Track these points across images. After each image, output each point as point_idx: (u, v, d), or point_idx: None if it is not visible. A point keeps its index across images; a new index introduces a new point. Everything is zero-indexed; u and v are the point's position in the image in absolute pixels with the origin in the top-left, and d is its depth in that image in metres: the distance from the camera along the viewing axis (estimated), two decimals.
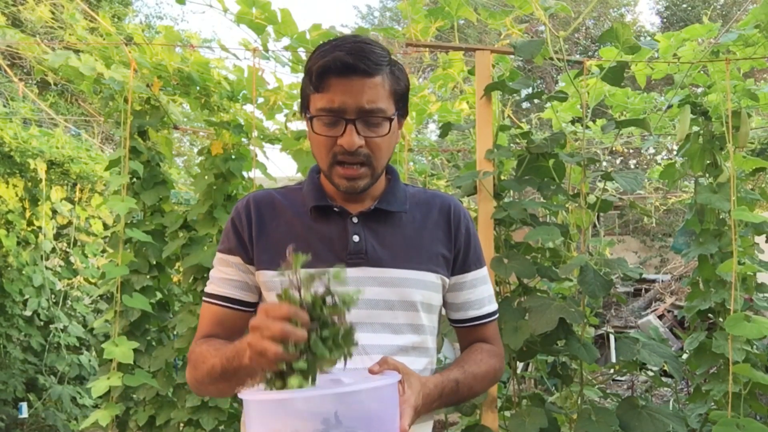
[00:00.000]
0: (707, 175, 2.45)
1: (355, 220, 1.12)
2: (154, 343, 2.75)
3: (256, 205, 1.15)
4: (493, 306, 1.25)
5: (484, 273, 1.24)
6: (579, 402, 2.14)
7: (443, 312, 1.25)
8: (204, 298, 1.17)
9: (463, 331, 1.24)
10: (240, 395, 0.85)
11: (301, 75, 2.78)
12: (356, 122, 1.03)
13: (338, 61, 1.01)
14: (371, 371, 0.94)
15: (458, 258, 1.19)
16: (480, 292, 1.22)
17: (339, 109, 1.03)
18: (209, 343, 1.09)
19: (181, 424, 2.60)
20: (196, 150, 4.30)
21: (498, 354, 1.23)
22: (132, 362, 2.43)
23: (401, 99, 1.11)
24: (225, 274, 1.15)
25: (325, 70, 1.02)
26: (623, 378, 5.57)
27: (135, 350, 2.46)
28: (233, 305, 1.14)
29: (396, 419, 0.87)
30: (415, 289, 1.11)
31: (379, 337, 1.08)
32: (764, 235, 2.47)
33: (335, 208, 1.12)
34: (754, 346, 2.36)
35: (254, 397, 0.84)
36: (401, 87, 1.10)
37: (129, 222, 2.68)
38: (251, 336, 0.87)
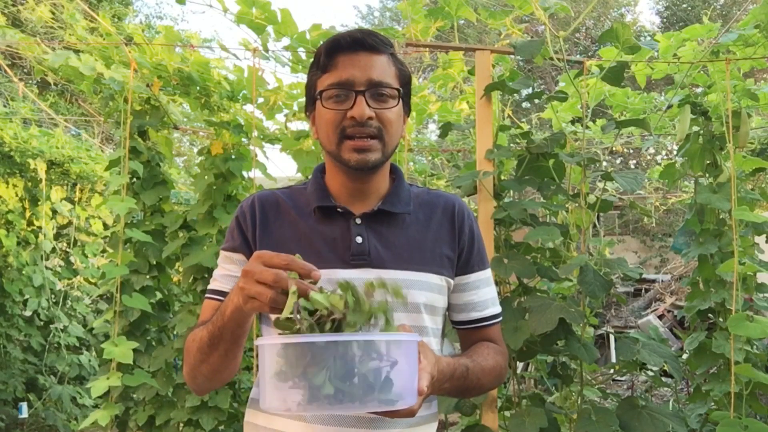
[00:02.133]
0: (707, 175, 2.45)
1: (358, 221, 1.11)
2: (153, 343, 2.74)
3: (261, 205, 1.14)
4: (497, 308, 1.23)
5: (487, 275, 1.22)
6: (579, 402, 2.14)
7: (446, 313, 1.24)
8: (206, 295, 1.16)
9: (465, 332, 1.23)
10: (257, 342, 0.84)
11: (301, 75, 2.78)
12: (365, 94, 1.05)
13: (347, 37, 1.07)
14: None
15: (461, 258, 1.18)
16: (483, 293, 1.21)
17: (348, 82, 1.05)
18: (199, 327, 1.09)
19: (181, 424, 2.59)
20: (196, 150, 4.31)
21: (503, 353, 1.22)
22: (132, 362, 2.42)
23: (406, 86, 1.13)
24: (228, 271, 1.14)
25: (334, 47, 1.07)
26: (623, 378, 5.57)
27: (135, 350, 2.45)
28: None
29: (415, 378, 0.87)
30: (418, 290, 1.10)
31: None
32: (764, 235, 2.48)
33: (339, 209, 1.12)
34: (754, 346, 2.36)
35: (272, 341, 0.83)
36: (405, 74, 1.13)
37: (129, 222, 2.68)
38: (242, 281, 0.88)
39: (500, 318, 1.25)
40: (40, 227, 4.37)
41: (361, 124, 1.04)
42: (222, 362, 1.02)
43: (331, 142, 1.08)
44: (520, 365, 2.65)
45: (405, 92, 1.13)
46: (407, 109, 1.16)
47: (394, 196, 1.15)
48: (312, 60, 1.14)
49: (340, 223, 1.11)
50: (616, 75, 2.04)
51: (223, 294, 1.13)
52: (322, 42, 1.13)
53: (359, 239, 1.09)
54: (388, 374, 0.82)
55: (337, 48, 1.06)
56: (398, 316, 1.09)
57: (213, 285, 1.16)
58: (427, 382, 0.90)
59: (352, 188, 1.13)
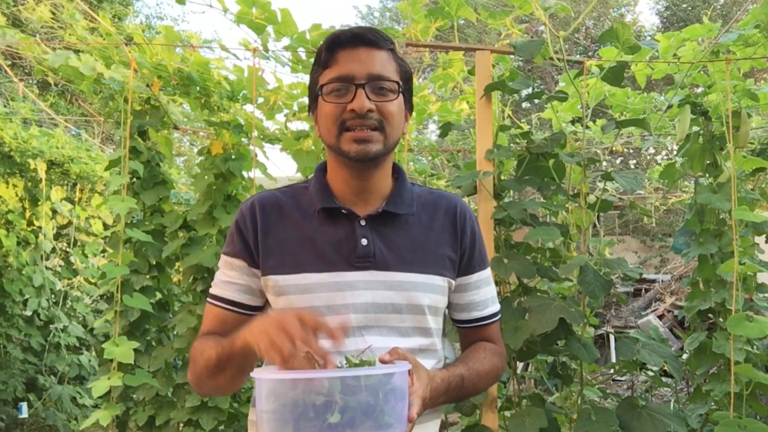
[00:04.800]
0: (707, 175, 2.45)
1: (363, 222, 1.11)
2: (154, 343, 2.74)
3: (262, 207, 1.13)
4: (496, 307, 1.25)
5: (487, 274, 1.24)
6: (579, 402, 2.14)
7: (446, 312, 1.25)
8: (208, 299, 1.17)
9: (466, 331, 1.24)
10: (252, 374, 0.88)
11: (302, 75, 2.77)
12: (365, 87, 1.05)
13: (347, 33, 1.08)
14: (382, 360, 0.94)
15: (463, 259, 1.18)
16: (484, 293, 1.22)
17: (348, 76, 1.06)
18: (208, 338, 1.10)
19: (181, 424, 2.59)
20: (196, 150, 4.30)
21: (500, 353, 1.23)
22: (132, 362, 2.42)
23: (407, 82, 1.13)
24: (229, 278, 1.14)
25: (335, 42, 1.08)
26: (623, 378, 5.57)
27: (135, 350, 2.45)
28: (235, 308, 1.14)
29: (405, 407, 0.88)
30: (422, 292, 1.11)
31: (386, 340, 1.07)
32: (764, 235, 2.47)
33: (343, 210, 1.12)
34: (755, 346, 2.36)
35: (262, 375, 0.87)
36: (406, 70, 1.13)
37: (129, 222, 2.67)
38: (272, 327, 0.89)
39: (499, 316, 1.27)
40: (40, 227, 4.36)
41: (361, 117, 1.05)
42: (228, 383, 1.08)
43: (331, 135, 1.08)
44: (520, 365, 2.65)
45: (406, 88, 1.13)
46: (409, 107, 1.16)
47: (398, 196, 1.15)
48: (313, 60, 1.14)
49: (344, 225, 1.11)
50: (616, 75, 2.04)
51: (224, 300, 1.14)
52: (318, 44, 1.14)
53: (365, 241, 1.09)
54: (379, 406, 0.84)
55: (338, 43, 1.07)
56: (404, 318, 1.10)
57: (214, 290, 1.16)
58: (418, 409, 0.91)
59: (355, 186, 1.13)
